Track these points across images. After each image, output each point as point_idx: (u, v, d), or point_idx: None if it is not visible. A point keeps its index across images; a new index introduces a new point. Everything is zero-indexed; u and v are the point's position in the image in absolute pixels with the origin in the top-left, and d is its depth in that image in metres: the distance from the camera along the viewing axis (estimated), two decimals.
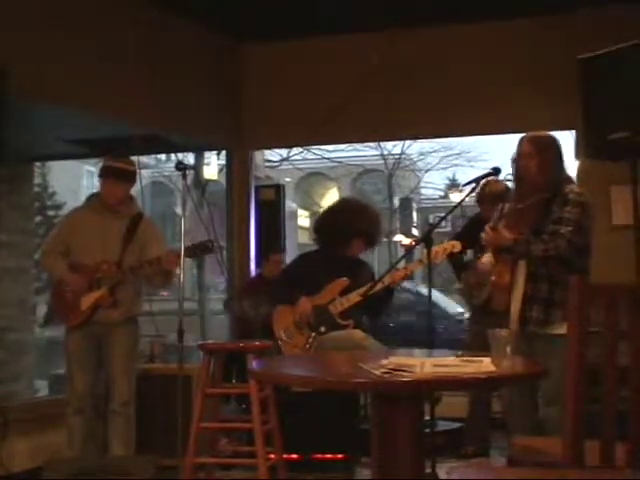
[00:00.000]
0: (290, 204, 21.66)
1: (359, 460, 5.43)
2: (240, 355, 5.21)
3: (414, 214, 29.94)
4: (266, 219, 7.72)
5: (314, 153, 22.14)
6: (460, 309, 14.63)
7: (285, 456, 4.98)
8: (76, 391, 5.09)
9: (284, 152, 20.73)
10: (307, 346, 5.46)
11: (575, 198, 4.24)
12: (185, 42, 6.86)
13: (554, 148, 4.36)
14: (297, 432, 5.28)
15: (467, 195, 5.35)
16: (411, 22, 6.86)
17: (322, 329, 5.47)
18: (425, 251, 4.61)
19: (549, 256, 4.17)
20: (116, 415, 5.10)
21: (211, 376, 4.92)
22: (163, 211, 23.76)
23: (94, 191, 5.62)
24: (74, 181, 24.10)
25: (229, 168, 8.00)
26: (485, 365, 2.69)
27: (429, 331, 4.47)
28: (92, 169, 21.65)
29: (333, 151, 22.79)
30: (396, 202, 27.98)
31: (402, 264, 5.71)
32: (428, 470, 4.16)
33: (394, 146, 24.20)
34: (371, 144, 22.46)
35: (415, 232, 27.81)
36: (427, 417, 4.30)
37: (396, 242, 26.96)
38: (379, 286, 5.20)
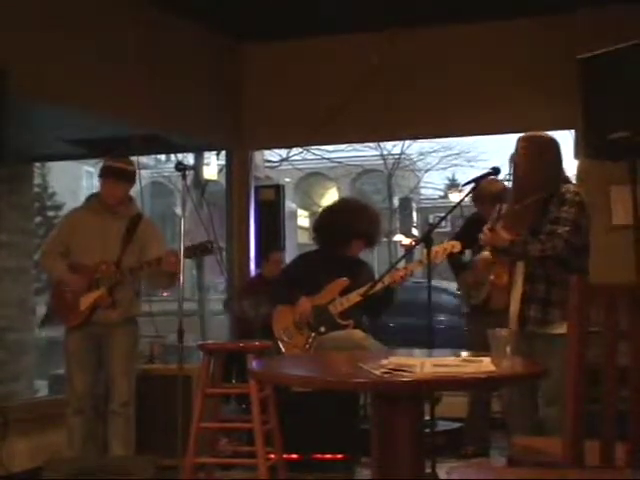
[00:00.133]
0: (290, 204, 21.67)
1: (359, 460, 5.43)
2: (240, 355, 5.21)
3: (414, 214, 29.97)
4: (266, 219, 7.72)
5: (314, 153, 22.15)
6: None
7: (285, 456, 4.98)
8: (76, 391, 5.09)
9: (284, 152, 20.74)
10: (307, 346, 5.46)
11: (572, 198, 4.24)
12: (185, 42, 6.86)
13: (552, 148, 4.37)
14: (297, 432, 5.28)
15: (467, 195, 5.36)
16: (411, 22, 6.86)
17: (322, 329, 5.47)
18: (425, 251, 4.61)
19: (546, 256, 4.18)
20: (116, 415, 5.10)
21: (211, 376, 4.92)
22: (163, 211, 23.77)
23: (94, 191, 5.62)
24: (74, 181, 24.12)
25: (229, 168, 8.00)
26: (485, 365, 2.69)
27: (429, 331, 4.46)
28: (92, 169, 21.67)
29: (333, 151, 22.82)
30: (396, 202, 28.00)
31: (402, 264, 5.71)
32: (428, 470, 4.16)
33: (394, 146, 24.24)
34: (371, 144, 22.48)
35: (415, 232, 27.83)
36: (427, 417, 4.30)
37: (396, 242, 26.98)
38: (379, 286, 5.21)
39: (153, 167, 23.01)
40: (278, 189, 7.92)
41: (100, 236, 5.12)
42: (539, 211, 4.28)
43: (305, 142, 8.35)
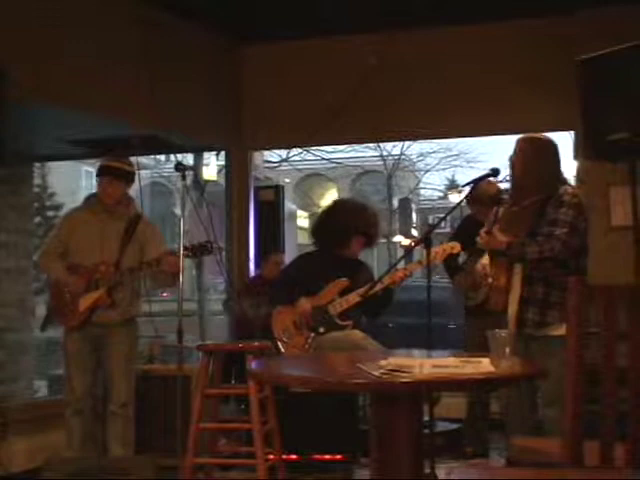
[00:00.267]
0: (289, 205, 21.66)
1: (358, 461, 5.43)
2: (239, 356, 5.21)
3: (413, 215, 29.98)
4: (265, 220, 7.72)
5: (313, 154, 22.14)
6: None
7: (284, 457, 4.98)
8: (74, 392, 5.09)
9: (283, 153, 20.74)
10: (306, 346, 5.46)
11: (570, 199, 4.25)
12: (185, 43, 6.86)
13: (550, 149, 4.38)
14: (296, 433, 5.29)
15: (466, 196, 5.37)
16: (410, 23, 6.86)
17: (321, 329, 5.47)
18: (425, 252, 4.61)
19: (544, 258, 4.18)
20: (115, 416, 5.10)
21: (210, 377, 4.92)
22: (162, 212, 23.78)
23: (93, 192, 5.62)
24: (73, 182, 24.12)
25: (228, 169, 8.00)
26: (484, 366, 2.69)
27: (428, 331, 4.46)
28: (91, 170, 21.66)
29: (332, 152, 22.81)
30: (395, 203, 28.01)
31: (401, 265, 5.71)
32: (427, 471, 4.16)
33: (393, 147, 24.26)
34: (370, 145, 22.51)
35: (414, 233, 27.84)
36: (426, 418, 4.30)
37: (395, 243, 26.99)
38: (378, 286, 5.21)
39: (153, 167, 22.99)
40: (278, 190, 7.92)
41: (99, 237, 5.12)
42: (537, 212, 4.28)
43: (305, 143, 8.34)
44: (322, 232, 5.79)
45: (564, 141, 7.77)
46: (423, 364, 2.63)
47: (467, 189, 5.45)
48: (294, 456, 5.34)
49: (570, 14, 6.41)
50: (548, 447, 3.00)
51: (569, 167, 6.94)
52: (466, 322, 6.13)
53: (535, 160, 4.31)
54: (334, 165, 25.54)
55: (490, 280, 4.46)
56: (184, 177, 5.00)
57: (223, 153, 8.81)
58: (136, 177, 5.40)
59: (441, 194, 31.20)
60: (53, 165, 18.17)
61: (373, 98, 7.11)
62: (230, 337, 7.46)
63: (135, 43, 6.12)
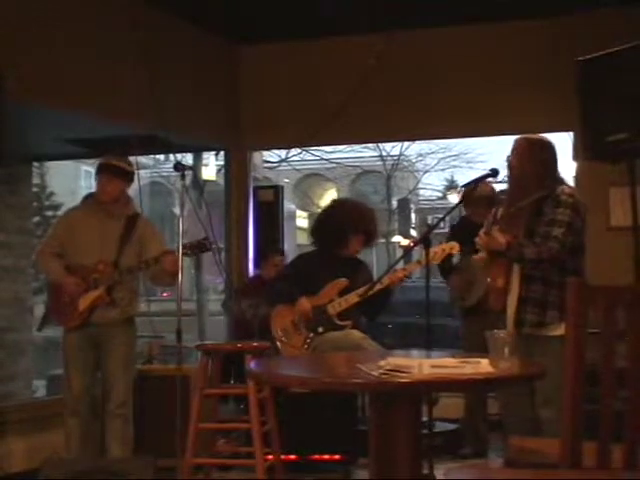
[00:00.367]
0: (289, 205, 21.65)
1: (357, 461, 5.43)
2: (238, 356, 5.21)
3: (412, 215, 29.96)
4: (264, 220, 7.72)
5: (312, 154, 22.13)
6: None
7: (283, 457, 4.98)
8: (73, 393, 5.08)
9: (282, 153, 20.73)
10: (305, 346, 5.46)
11: (566, 199, 4.26)
12: (184, 43, 6.87)
13: (546, 149, 4.39)
14: (295, 433, 5.29)
15: (472, 195, 5.38)
16: (409, 24, 6.86)
17: (320, 329, 5.47)
18: (424, 252, 4.62)
19: (542, 259, 4.19)
20: (114, 416, 5.09)
21: (209, 377, 4.92)
22: (161, 211, 23.76)
23: (91, 191, 5.61)
24: (72, 181, 24.10)
25: (227, 169, 8.00)
26: (483, 366, 2.69)
27: (428, 331, 4.46)
28: (90, 169, 21.65)
29: (332, 152, 22.79)
30: (394, 203, 28.00)
31: (400, 265, 5.71)
32: (425, 471, 4.16)
33: (393, 147, 24.22)
34: (370, 145, 22.48)
35: (413, 233, 27.83)
36: (425, 418, 4.30)
37: (394, 243, 26.98)
38: (378, 287, 5.22)
39: (152, 167, 22.98)
40: (277, 190, 7.92)
41: (97, 236, 5.12)
42: (534, 212, 4.29)
43: (304, 143, 8.34)
44: (321, 232, 5.79)
45: (563, 142, 7.79)
46: (422, 364, 2.63)
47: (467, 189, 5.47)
48: (293, 456, 5.34)
49: (570, 15, 6.42)
50: (546, 447, 3.00)
51: (568, 168, 6.94)
52: (462, 323, 6.14)
53: (532, 160, 4.33)
54: (333, 165, 25.53)
55: (489, 280, 4.46)
56: (183, 177, 5.01)
57: (222, 153, 8.82)
58: (135, 177, 5.40)
59: (440, 194, 31.18)
60: (52, 165, 18.17)
61: (372, 98, 7.12)
62: (229, 337, 7.46)
63: (134, 43, 6.12)
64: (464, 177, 24.10)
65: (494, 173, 4.51)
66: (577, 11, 6.37)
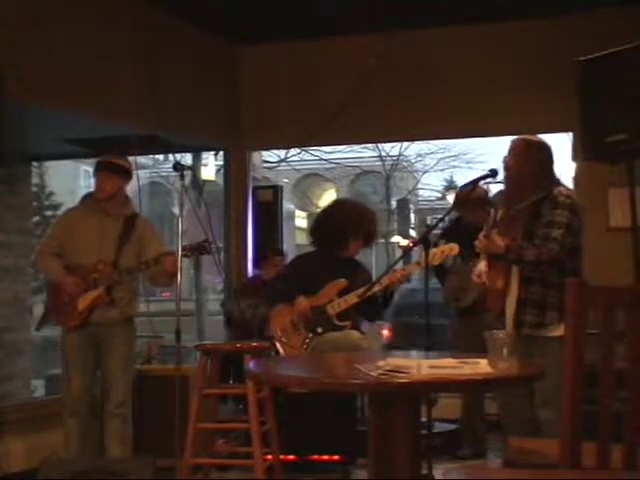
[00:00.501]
0: (288, 205, 21.65)
1: (356, 461, 5.43)
2: (237, 356, 5.21)
3: (412, 215, 29.94)
4: (264, 220, 7.71)
5: (312, 154, 22.14)
6: None
7: (282, 457, 4.98)
8: (72, 392, 5.08)
9: (282, 153, 20.74)
10: (304, 347, 5.46)
11: (564, 201, 4.26)
12: (184, 43, 6.86)
13: (542, 150, 4.40)
14: (294, 433, 5.29)
15: (468, 197, 5.38)
16: (409, 23, 6.86)
17: (319, 330, 5.47)
18: (423, 253, 4.62)
19: (542, 260, 4.19)
20: (112, 416, 5.09)
21: (208, 377, 4.92)
22: (161, 211, 23.76)
23: (89, 191, 5.61)
24: (71, 181, 24.09)
25: (227, 169, 8.00)
26: (482, 366, 2.69)
27: (427, 332, 4.46)
28: (90, 169, 21.63)
29: (331, 152, 22.79)
30: (394, 203, 27.99)
31: (399, 265, 5.71)
32: (424, 471, 4.16)
33: (392, 148, 24.21)
34: (369, 145, 22.47)
35: (413, 233, 27.82)
36: (423, 418, 4.30)
37: (394, 243, 26.98)
38: (377, 287, 5.22)
39: (151, 167, 22.98)
40: (276, 190, 7.92)
41: (96, 236, 5.12)
42: (532, 214, 4.30)
43: (303, 143, 8.34)
44: (320, 232, 5.79)
45: (563, 142, 7.79)
46: (421, 365, 2.63)
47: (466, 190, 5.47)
48: (292, 456, 5.34)
49: (570, 15, 6.42)
50: (545, 448, 3.00)
51: (568, 168, 6.94)
52: (457, 324, 6.14)
53: (529, 161, 4.33)
54: (333, 165, 25.53)
55: (487, 282, 4.47)
56: (182, 177, 5.01)
57: (222, 153, 8.81)
58: (134, 176, 5.40)
59: (439, 195, 31.17)
60: (51, 164, 18.17)
61: (372, 98, 7.11)
62: (228, 337, 7.45)
63: (134, 43, 6.11)
64: (463, 177, 24.11)
65: (493, 174, 4.50)
66: (577, 11, 6.37)
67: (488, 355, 2.97)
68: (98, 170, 5.19)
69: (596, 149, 4.87)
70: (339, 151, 22.94)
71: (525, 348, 4.19)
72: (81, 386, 5.09)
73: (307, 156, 22.49)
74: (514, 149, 4.41)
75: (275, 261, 7.18)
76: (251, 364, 3.48)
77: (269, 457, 4.83)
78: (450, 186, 28.93)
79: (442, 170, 27.87)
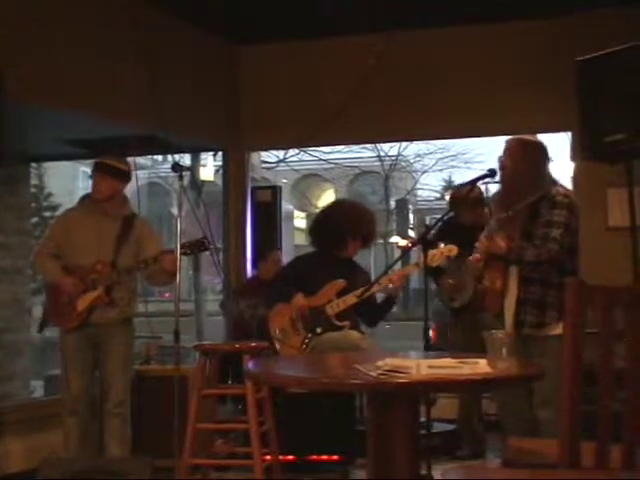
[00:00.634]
0: (287, 206, 21.67)
1: (355, 461, 5.43)
2: (236, 356, 5.21)
3: (410, 216, 29.97)
4: (262, 220, 7.71)
5: (311, 155, 22.16)
6: None
7: (281, 457, 4.98)
8: (71, 393, 5.07)
9: (281, 153, 20.74)
10: (303, 347, 5.46)
11: (562, 200, 4.27)
12: (183, 43, 6.86)
13: (537, 150, 4.41)
14: (293, 433, 5.28)
15: (464, 197, 5.38)
16: (409, 23, 6.86)
17: (318, 330, 5.47)
18: (422, 254, 4.61)
19: (542, 260, 4.19)
20: (112, 416, 5.09)
21: (207, 377, 4.92)
22: (159, 212, 23.78)
23: (87, 192, 5.61)
24: (70, 182, 24.08)
25: (225, 169, 7.99)
26: (481, 366, 2.69)
27: (425, 332, 4.46)
28: (89, 170, 21.62)
29: (330, 153, 22.81)
30: (392, 204, 28.02)
31: (398, 266, 5.72)
32: (423, 471, 4.16)
33: (391, 148, 24.26)
34: (368, 146, 22.51)
35: (411, 234, 27.84)
36: (423, 418, 4.30)
37: (392, 244, 27.00)
38: (375, 288, 5.22)
39: (150, 168, 22.99)
40: (275, 190, 7.92)
41: (94, 236, 5.11)
42: (530, 214, 4.30)
43: (302, 143, 8.34)
44: (319, 233, 5.79)
45: (562, 142, 7.80)
46: (420, 365, 2.63)
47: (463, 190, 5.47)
48: (291, 457, 5.33)
49: (570, 14, 6.41)
50: (544, 448, 3.00)
51: (566, 168, 6.95)
52: (452, 323, 6.13)
53: (525, 161, 4.34)
54: (331, 166, 25.57)
55: (486, 283, 4.46)
56: (181, 177, 5.01)
57: (220, 153, 8.80)
58: (133, 177, 5.39)
59: (438, 195, 31.19)
60: (50, 165, 18.17)
61: (372, 98, 7.11)
62: (227, 338, 7.45)
63: (134, 43, 6.11)
64: (462, 177, 24.16)
65: (492, 173, 4.50)
66: (577, 11, 6.37)
67: (487, 355, 2.96)
68: (95, 171, 5.21)
69: (595, 149, 4.87)
70: (338, 151, 22.99)
71: (524, 348, 4.19)
72: (80, 386, 5.09)
73: (306, 156, 22.53)
74: (509, 149, 4.41)
75: (274, 257, 7.17)
76: (250, 364, 3.48)
77: (268, 457, 4.83)
78: (449, 186, 28.95)
79: (441, 170, 27.94)
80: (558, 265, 4.21)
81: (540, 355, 4.07)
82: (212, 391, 4.99)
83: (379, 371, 2.60)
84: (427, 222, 27.09)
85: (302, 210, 28.67)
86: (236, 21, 6.99)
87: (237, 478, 5.34)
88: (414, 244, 5.15)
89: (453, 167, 26.93)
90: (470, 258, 4.58)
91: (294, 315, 5.51)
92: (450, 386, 2.90)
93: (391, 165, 26.11)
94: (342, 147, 20.41)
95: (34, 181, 17.16)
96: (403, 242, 25.52)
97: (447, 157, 26.16)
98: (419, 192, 31.40)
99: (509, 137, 4.51)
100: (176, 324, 4.88)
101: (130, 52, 6.07)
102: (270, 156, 20.15)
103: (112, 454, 5.07)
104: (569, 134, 6.92)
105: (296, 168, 25.35)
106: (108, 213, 5.17)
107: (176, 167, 5.03)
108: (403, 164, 27.19)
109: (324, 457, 5.38)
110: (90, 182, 5.28)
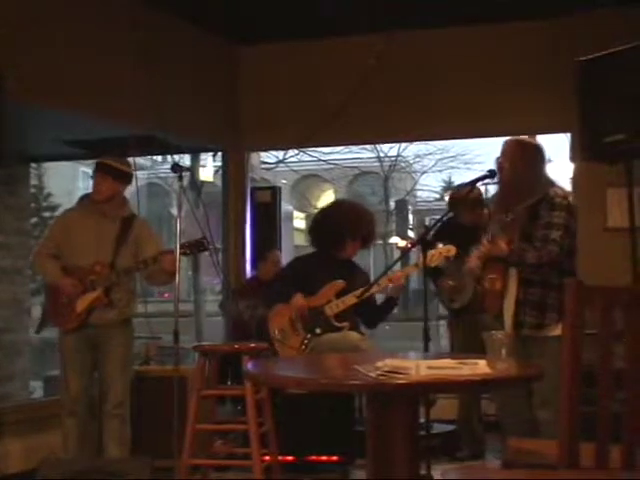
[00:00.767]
0: (286, 206, 21.65)
1: (354, 462, 5.43)
2: (235, 357, 5.21)
3: (410, 216, 29.95)
4: (262, 221, 7.71)
5: (310, 155, 22.16)
6: None
7: (280, 458, 4.98)
8: (70, 394, 5.07)
9: (280, 154, 20.74)
10: (302, 347, 5.46)
11: (561, 202, 4.28)
12: (183, 43, 6.86)
13: (537, 152, 4.41)
14: (292, 434, 5.28)
15: (463, 197, 5.38)
16: (409, 23, 6.86)
17: (318, 331, 5.47)
18: (421, 254, 4.61)
19: (542, 262, 4.19)
20: (111, 417, 5.09)
21: (206, 378, 4.92)
22: (159, 212, 23.77)
23: (86, 192, 5.61)
24: (70, 182, 24.07)
25: (225, 170, 7.99)
26: (480, 367, 2.69)
27: (425, 332, 4.45)
28: (88, 170, 21.59)
29: (329, 153, 22.80)
30: (392, 204, 28.00)
31: (398, 266, 5.71)
32: (423, 472, 4.16)
33: (390, 148, 24.23)
34: (367, 146, 22.48)
35: (411, 234, 27.83)
36: (422, 419, 4.30)
37: (392, 244, 26.98)
38: (374, 288, 5.22)
39: (149, 168, 22.98)
40: (274, 191, 7.91)
41: (93, 237, 5.11)
42: (529, 216, 4.30)
43: (302, 144, 8.34)
44: (318, 233, 5.79)
45: (561, 143, 7.79)
46: (419, 365, 2.63)
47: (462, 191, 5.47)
48: (290, 457, 5.33)
49: (570, 14, 6.41)
50: (543, 448, 3.00)
51: (566, 168, 6.95)
52: (451, 324, 6.13)
53: (523, 162, 4.34)
54: (331, 166, 25.55)
55: (486, 284, 4.46)
56: (181, 178, 5.01)
57: (220, 154, 8.80)
58: (133, 178, 5.38)
59: (438, 196, 31.17)
60: (50, 166, 18.17)
61: (372, 98, 7.11)
62: (226, 338, 7.45)
63: (134, 43, 6.11)
64: (462, 178, 24.13)
65: (491, 174, 4.50)
66: (577, 11, 6.37)
67: (486, 356, 2.96)
68: (96, 172, 5.20)
69: (595, 149, 4.87)
70: (337, 152, 22.98)
71: (524, 349, 4.19)
72: (79, 387, 5.08)
73: (305, 157, 22.52)
74: (507, 151, 4.41)
75: (273, 257, 7.17)
76: (249, 365, 3.47)
77: (267, 458, 4.82)
78: (448, 187, 28.94)
79: (440, 171, 27.90)
80: (558, 266, 4.21)
81: (539, 356, 4.07)
82: (211, 392, 4.98)
83: (378, 372, 2.60)
84: (427, 223, 27.09)
85: (301, 211, 28.65)
86: (236, 21, 6.99)
87: (236, 478, 5.34)
88: (413, 245, 5.15)
89: (453, 168, 26.91)
90: (467, 265, 4.58)
91: (293, 315, 5.51)
92: (449, 387, 2.90)
93: (391, 166, 26.09)
94: (342, 148, 20.40)
95: (34, 181, 17.14)
96: (402, 243, 25.49)
97: (447, 158, 26.15)
98: (419, 193, 31.38)
99: (506, 138, 4.51)
100: (175, 325, 4.88)
101: (130, 52, 6.07)
102: (270, 157, 20.15)
103: (111, 455, 5.06)
104: (568, 135, 6.91)
105: (295, 169, 25.35)
106: (107, 214, 5.16)
107: (176, 168, 5.03)
108: (402, 165, 27.17)
109: (323, 458, 5.38)
110: (91, 183, 5.28)
